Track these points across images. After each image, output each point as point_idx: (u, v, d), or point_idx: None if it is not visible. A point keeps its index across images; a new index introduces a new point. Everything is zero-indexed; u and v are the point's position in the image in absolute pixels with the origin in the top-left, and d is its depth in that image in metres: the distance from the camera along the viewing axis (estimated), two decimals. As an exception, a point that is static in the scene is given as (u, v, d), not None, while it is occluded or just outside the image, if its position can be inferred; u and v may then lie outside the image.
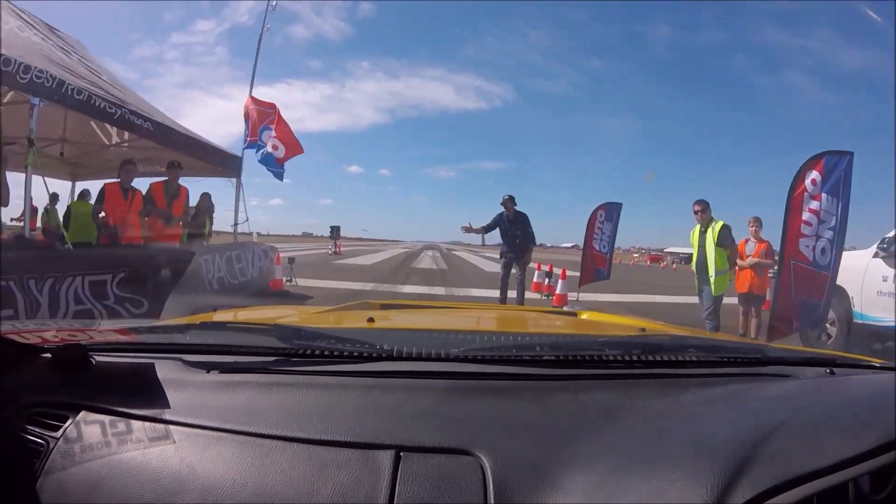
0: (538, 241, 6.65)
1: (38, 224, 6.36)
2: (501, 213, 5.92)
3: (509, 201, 5.82)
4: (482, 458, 0.53)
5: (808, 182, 3.66)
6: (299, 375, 0.70)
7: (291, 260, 8.11)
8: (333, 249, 22.30)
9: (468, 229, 6.07)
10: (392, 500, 0.50)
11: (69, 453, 0.58)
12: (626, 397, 0.68)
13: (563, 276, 8.26)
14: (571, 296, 7.75)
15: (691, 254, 5.04)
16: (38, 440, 0.60)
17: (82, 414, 0.62)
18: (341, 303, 1.97)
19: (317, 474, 0.52)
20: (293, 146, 7.53)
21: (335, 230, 24.20)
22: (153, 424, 0.60)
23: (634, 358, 0.79)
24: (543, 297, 8.62)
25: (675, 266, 35.36)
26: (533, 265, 7.90)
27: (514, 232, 5.86)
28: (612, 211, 8.00)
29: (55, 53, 4.82)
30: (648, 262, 44.00)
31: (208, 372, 0.71)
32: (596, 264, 7.85)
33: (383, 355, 0.73)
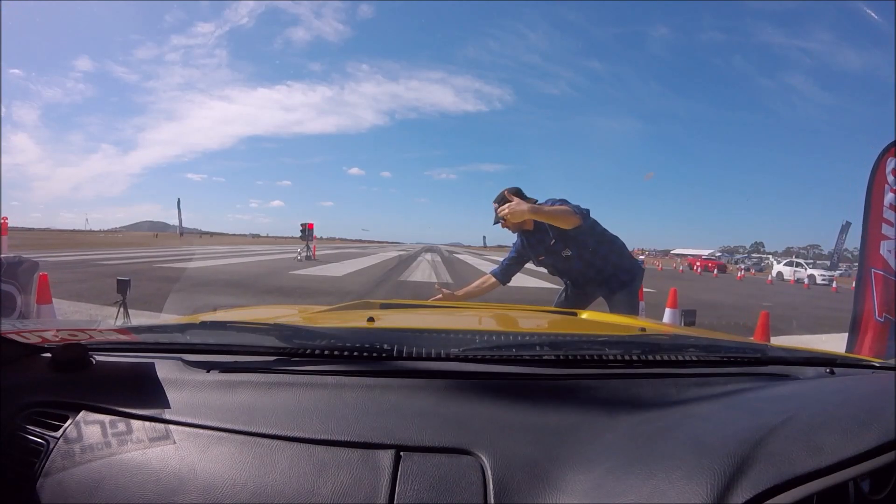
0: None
1: None
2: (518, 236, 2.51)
3: (505, 207, 2.25)
4: (482, 458, 0.53)
5: (888, 172, 2.81)
6: (299, 375, 0.70)
7: (123, 285, 3.85)
8: (305, 253, 18.24)
9: (446, 295, 2.37)
10: (392, 500, 0.50)
11: (69, 453, 0.58)
12: (626, 397, 0.68)
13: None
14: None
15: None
16: (38, 440, 0.60)
17: (82, 414, 0.62)
18: None
19: (317, 474, 0.52)
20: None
21: (306, 230, 19.67)
22: (153, 424, 0.60)
23: (634, 358, 0.78)
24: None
25: (700, 272, 28.98)
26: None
27: (555, 254, 2.37)
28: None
29: None
30: (715, 272, 28.68)
31: (208, 372, 0.71)
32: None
33: (383, 355, 0.73)
